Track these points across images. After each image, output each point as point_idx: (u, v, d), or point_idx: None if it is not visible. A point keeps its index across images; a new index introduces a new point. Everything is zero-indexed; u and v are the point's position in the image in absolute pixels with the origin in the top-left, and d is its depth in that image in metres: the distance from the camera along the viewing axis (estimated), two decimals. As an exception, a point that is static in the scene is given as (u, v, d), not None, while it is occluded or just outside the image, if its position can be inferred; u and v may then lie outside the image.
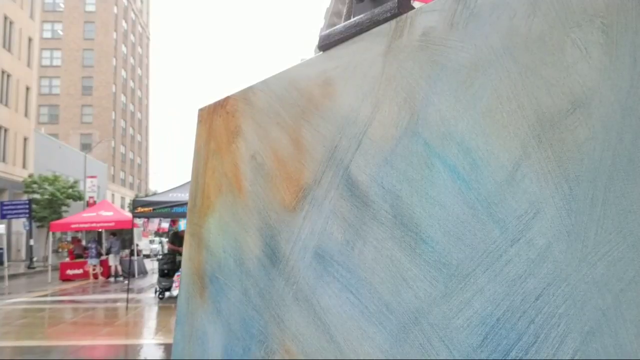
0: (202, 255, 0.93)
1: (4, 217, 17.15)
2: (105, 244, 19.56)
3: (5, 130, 28.30)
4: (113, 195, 49.78)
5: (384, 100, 0.65)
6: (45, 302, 12.23)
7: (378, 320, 0.61)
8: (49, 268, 18.11)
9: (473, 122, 0.55)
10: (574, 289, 0.45)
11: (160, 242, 29.92)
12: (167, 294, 11.53)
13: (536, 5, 0.51)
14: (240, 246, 0.84)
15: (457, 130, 0.56)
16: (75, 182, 29.77)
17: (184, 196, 10.82)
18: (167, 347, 6.87)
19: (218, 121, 0.94)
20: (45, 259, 24.42)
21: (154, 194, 26.90)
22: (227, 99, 0.94)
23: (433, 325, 0.55)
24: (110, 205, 20.32)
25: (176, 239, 12.25)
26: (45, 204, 25.83)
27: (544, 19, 0.51)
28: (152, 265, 21.85)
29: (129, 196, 53.10)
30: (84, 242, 19.76)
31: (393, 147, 0.63)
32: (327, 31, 0.78)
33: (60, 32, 52.02)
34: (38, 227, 26.11)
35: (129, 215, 17.37)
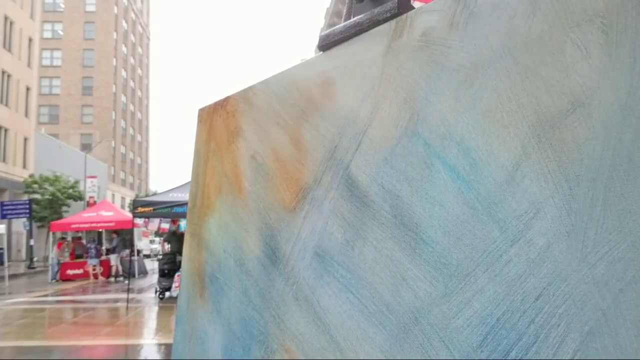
0: (202, 255, 0.93)
1: (4, 217, 17.17)
2: (105, 244, 19.56)
3: (6, 131, 28.31)
4: (113, 195, 49.77)
5: (384, 100, 0.65)
6: (45, 302, 12.23)
7: (378, 320, 0.61)
8: (50, 268, 18.11)
9: (473, 122, 0.55)
10: (574, 289, 0.45)
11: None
12: (167, 294, 11.53)
13: (536, 5, 0.51)
14: (240, 246, 0.84)
15: (457, 130, 0.56)
16: (76, 182, 29.77)
17: (184, 196, 10.82)
18: (167, 347, 6.86)
19: (218, 121, 0.94)
20: (46, 259, 24.42)
21: (154, 194, 26.91)
22: (227, 99, 0.94)
23: (433, 325, 0.55)
24: (110, 205, 20.33)
25: (173, 238, 12.29)
26: (46, 204, 25.84)
27: (544, 19, 0.51)
28: (152, 265, 21.85)
29: (129, 196, 53.10)
30: (84, 241, 19.72)
31: (393, 147, 0.63)
32: (327, 31, 0.78)
33: (61, 32, 52.02)
34: (38, 227, 26.11)
35: (129, 215, 17.38)
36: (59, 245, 18.06)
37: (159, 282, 11.73)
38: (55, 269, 17.49)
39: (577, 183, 0.46)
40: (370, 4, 0.77)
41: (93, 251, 17.72)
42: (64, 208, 26.93)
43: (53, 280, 17.06)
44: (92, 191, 33.08)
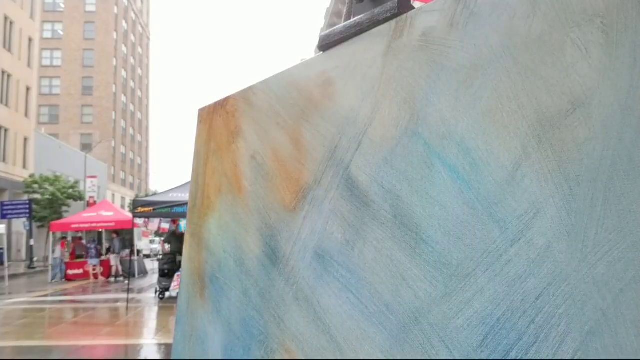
0: (202, 255, 0.93)
1: (4, 217, 17.18)
2: (105, 244, 19.55)
3: (6, 131, 28.31)
4: (113, 195, 49.77)
5: (384, 100, 0.65)
6: (45, 302, 12.23)
7: (378, 320, 0.61)
8: (50, 268, 18.11)
9: (473, 122, 0.55)
10: (574, 289, 0.45)
11: (161, 242, 29.90)
12: (167, 294, 11.53)
13: (536, 5, 0.51)
14: (240, 246, 0.84)
15: (457, 130, 0.56)
16: (76, 182, 29.77)
17: (184, 196, 10.82)
18: (167, 347, 6.87)
19: (218, 121, 0.94)
20: (46, 259, 24.42)
21: (154, 194, 26.92)
22: (227, 99, 0.94)
23: (433, 325, 0.55)
24: (110, 205, 20.33)
25: (173, 238, 12.32)
26: (46, 204, 25.83)
27: (544, 19, 0.51)
28: (152, 265, 21.85)
29: (129, 196, 53.10)
30: (84, 241, 19.73)
31: (393, 147, 0.63)
32: (327, 31, 0.78)
33: (61, 32, 52.02)
34: (38, 227, 26.12)
35: (130, 215, 17.38)
36: (62, 245, 18.06)
37: (159, 282, 11.73)
38: (58, 269, 17.47)
39: (577, 183, 0.46)
40: (371, 4, 0.77)
41: (93, 251, 17.73)
42: (64, 208, 26.93)
43: (53, 281, 17.05)
44: (92, 191, 33.07)
